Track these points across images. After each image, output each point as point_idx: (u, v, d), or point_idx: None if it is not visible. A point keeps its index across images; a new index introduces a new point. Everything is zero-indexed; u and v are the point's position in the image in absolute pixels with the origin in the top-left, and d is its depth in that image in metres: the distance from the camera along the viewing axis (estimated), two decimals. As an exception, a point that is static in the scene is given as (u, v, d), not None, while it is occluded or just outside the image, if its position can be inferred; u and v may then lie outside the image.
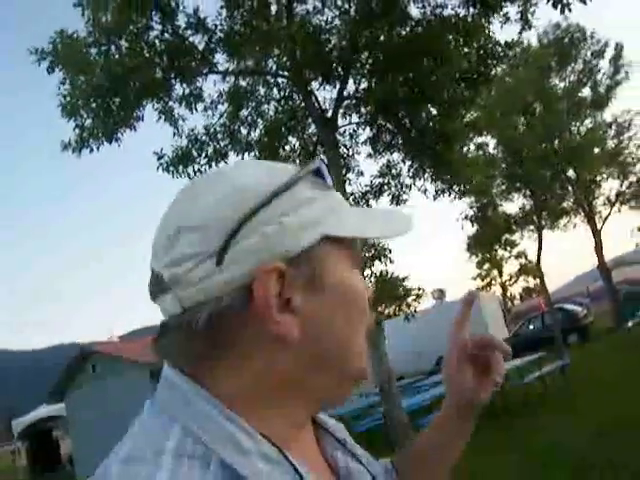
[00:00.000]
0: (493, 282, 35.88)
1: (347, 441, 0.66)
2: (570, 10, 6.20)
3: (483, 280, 35.26)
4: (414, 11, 7.87)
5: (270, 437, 0.50)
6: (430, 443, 0.77)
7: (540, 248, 15.52)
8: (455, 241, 79.45)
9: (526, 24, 7.78)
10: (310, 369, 0.53)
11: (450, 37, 7.80)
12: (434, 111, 8.76)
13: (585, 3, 6.03)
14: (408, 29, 7.84)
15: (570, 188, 17.91)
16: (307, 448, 0.59)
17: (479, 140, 13.81)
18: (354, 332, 0.56)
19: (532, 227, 16.83)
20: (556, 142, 16.24)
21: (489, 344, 0.70)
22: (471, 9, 7.56)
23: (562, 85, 17.74)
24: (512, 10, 7.64)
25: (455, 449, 0.77)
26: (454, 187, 9.61)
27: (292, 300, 0.51)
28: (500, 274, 35.76)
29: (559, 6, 6.17)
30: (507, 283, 36.98)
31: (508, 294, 39.84)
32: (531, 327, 18.64)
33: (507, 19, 7.74)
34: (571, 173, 17.58)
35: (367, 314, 0.58)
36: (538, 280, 17.30)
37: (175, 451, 0.47)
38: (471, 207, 15.13)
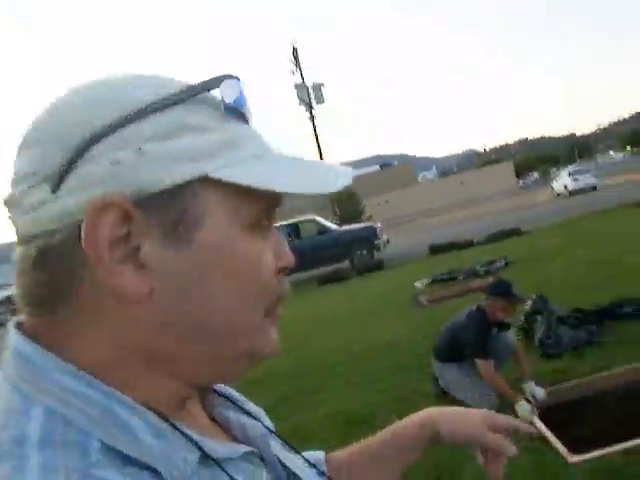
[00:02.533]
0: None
1: (237, 398, 0.61)
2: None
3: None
4: None
5: (154, 408, 0.43)
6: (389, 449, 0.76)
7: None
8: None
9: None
10: (173, 338, 0.43)
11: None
12: None
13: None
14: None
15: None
16: (195, 413, 0.52)
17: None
18: (235, 305, 0.45)
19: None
20: None
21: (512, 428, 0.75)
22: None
23: None
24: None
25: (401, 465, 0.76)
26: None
27: (141, 249, 0.41)
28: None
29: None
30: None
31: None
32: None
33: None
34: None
35: (266, 286, 0.47)
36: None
37: (41, 440, 0.37)
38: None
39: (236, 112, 0.45)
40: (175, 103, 0.42)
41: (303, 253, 14.29)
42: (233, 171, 0.43)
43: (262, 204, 0.46)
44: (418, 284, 9.42)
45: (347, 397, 4.76)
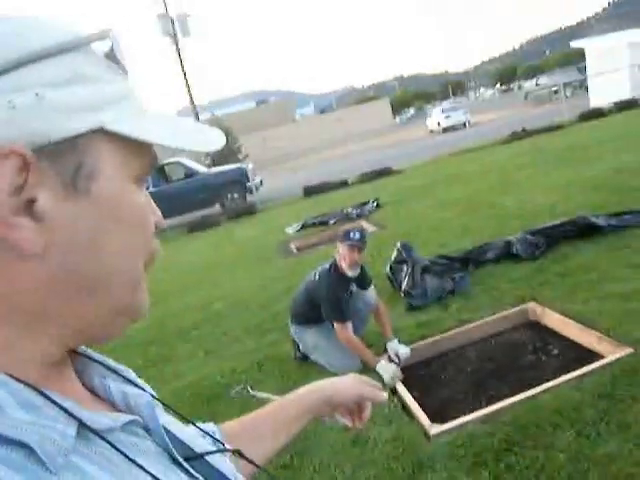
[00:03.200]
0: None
1: (116, 366, 0.56)
2: None
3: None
4: None
5: (24, 379, 0.39)
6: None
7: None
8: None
9: None
10: (60, 295, 0.41)
11: None
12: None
13: None
14: None
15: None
16: (70, 383, 0.47)
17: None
18: (124, 258, 0.44)
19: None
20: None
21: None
22: None
23: None
24: None
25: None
26: None
27: (37, 201, 0.38)
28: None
29: None
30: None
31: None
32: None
33: None
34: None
35: (148, 241, 0.47)
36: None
37: None
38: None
39: (122, 65, 0.46)
40: (72, 50, 0.41)
41: (171, 198, 13.33)
42: (129, 124, 0.43)
43: (148, 159, 0.46)
44: (289, 229, 8.98)
45: (200, 367, 4.26)
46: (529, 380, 2.77)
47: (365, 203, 9.21)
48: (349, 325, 3.38)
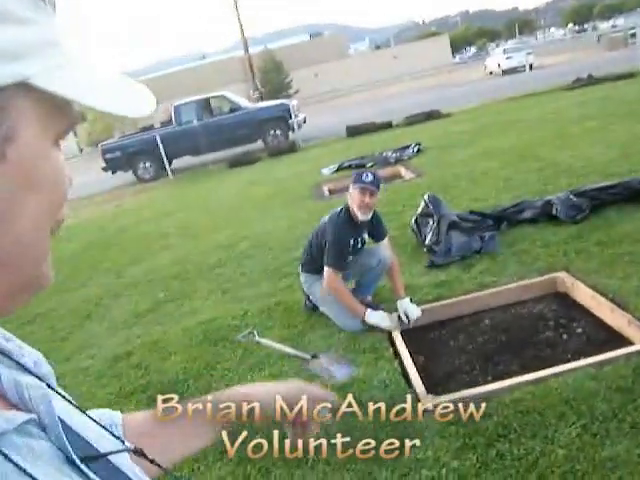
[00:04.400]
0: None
1: (7, 348, 0.48)
2: None
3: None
4: None
5: None
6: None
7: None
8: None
9: None
10: None
11: None
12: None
13: None
14: None
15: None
16: None
17: None
18: (38, 230, 0.40)
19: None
20: None
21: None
22: None
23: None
24: None
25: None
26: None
27: None
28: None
29: None
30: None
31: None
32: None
33: None
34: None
35: (61, 208, 0.42)
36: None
37: None
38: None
39: (52, 2, 0.39)
40: None
41: (214, 132, 13.23)
42: (57, 79, 0.37)
43: (71, 118, 0.41)
44: (325, 171, 8.71)
45: (215, 306, 4.28)
46: (543, 359, 2.54)
47: (406, 147, 8.77)
48: (339, 275, 3.20)
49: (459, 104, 13.76)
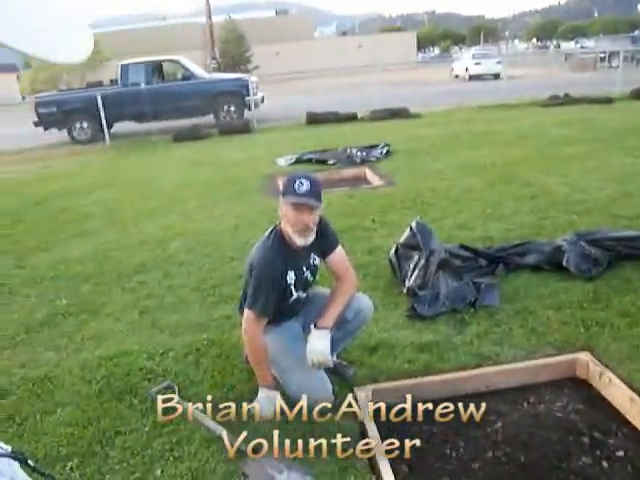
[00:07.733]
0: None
1: None
2: None
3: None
4: None
5: None
6: None
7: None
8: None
9: None
10: None
11: None
12: None
13: None
14: None
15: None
16: None
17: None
18: None
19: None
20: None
21: None
22: None
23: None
24: None
25: None
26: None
27: None
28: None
29: None
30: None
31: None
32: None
33: None
34: None
35: None
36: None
37: None
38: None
39: None
40: None
41: (163, 99, 11.96)
42: None
43: None
44: (280, 161, 7.72)
45: (128, 334, 3.33)
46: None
47: (374, 147, 7.92)
48: (263, 322, 2.29)
49: (428, 105, 13.06)
